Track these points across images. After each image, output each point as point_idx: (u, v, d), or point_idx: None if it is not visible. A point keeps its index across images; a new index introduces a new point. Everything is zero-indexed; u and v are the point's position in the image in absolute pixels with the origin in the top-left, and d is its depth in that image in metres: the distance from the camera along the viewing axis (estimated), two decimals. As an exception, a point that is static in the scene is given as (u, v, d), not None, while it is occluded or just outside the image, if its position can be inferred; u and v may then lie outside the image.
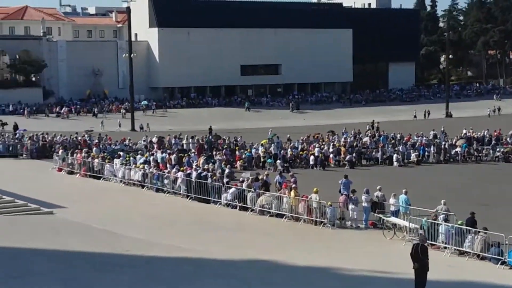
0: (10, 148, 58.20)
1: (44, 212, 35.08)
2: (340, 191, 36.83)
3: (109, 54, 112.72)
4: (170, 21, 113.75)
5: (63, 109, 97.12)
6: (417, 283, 22.75)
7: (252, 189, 37.04)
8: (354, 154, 55.64)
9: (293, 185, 36.54)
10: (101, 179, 46.41)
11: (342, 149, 56.62)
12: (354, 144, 59.25)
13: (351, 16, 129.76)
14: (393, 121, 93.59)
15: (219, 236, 31.56)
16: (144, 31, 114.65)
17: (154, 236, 30.79)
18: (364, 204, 34.76)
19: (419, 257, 22.71)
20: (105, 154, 51.10)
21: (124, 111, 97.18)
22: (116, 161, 46.78)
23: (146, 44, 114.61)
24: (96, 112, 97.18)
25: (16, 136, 62.18)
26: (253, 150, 55.79)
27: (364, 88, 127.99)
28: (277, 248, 29.42)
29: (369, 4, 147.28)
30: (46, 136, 60.69)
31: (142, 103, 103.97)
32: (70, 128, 74.37)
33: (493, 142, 64.90)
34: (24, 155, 57.34)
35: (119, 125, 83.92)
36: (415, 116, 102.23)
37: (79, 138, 60.47)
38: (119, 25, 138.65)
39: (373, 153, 57.84)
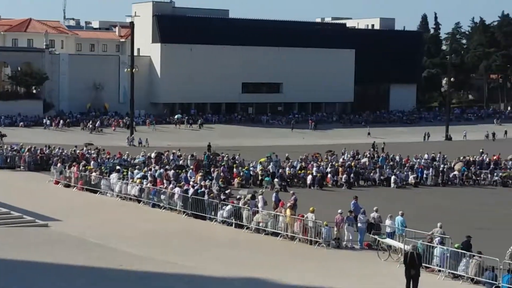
0: (8, 160, 58.06)
1: (39, 224, 35.06)
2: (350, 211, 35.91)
3: (111, 68, 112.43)
4: (173, 37, 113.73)
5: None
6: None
7: (248, 207, 36.95)
8: (351, 175, 55.56)
9: (289, 204, 36.37)
10: (98, 193, 46.34)
11: (340, 169, 56.49)
12: (352, 164, 59.08)
13: (354, 37, 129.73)
14: (394, 142, 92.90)
15: (214, 253, 31.51)
16: (147, 46, 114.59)
17: (148, 252, 30.71)
18: (360, 225, 34.70)
19: (415, 263, 22.87)
20: (103, 168, 51.05)
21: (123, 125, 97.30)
22: (113, 176, 46.67)
23: (148, 60, 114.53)
24: (96, 126, 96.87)
25: (14, 148, 61.61)
26: (251, 168, 55.69)
27: (365, 109, 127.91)
28: (271, 267, 29.29)
29: (373, 25, 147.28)
30: (44, 148, 60.55)
31: (176, 116, 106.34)
32: (69, 141, 74.26)
33: (491, 166, 64.84)
34: (21, 167, 57.18)
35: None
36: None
37: (77, 151, 60.32)
38: (122, 40, 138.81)
39: (371, 174, 57.79)
